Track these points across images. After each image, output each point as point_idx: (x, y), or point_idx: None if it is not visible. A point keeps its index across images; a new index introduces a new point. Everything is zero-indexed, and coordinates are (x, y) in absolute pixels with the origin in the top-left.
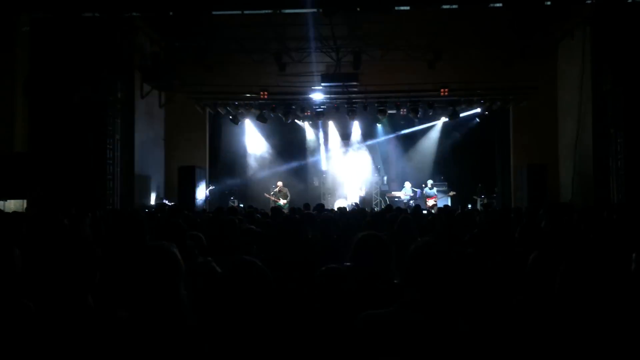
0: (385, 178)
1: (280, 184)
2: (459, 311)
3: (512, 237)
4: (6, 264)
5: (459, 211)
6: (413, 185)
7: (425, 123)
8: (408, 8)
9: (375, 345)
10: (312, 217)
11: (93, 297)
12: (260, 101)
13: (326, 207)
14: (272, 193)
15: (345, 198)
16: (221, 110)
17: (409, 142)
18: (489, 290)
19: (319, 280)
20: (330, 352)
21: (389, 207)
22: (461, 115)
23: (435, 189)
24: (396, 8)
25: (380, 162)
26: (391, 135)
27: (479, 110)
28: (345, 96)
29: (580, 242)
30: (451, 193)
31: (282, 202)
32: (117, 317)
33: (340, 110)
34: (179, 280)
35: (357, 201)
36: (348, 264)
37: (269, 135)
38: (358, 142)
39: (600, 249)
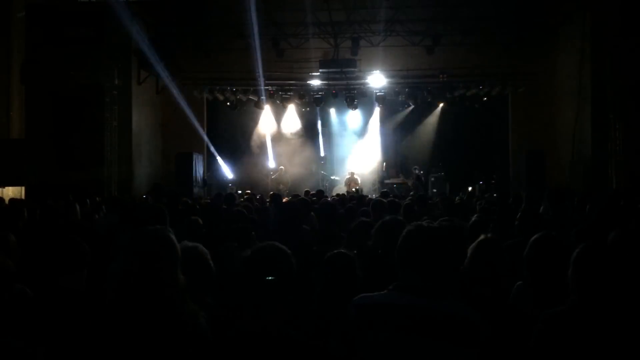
0: (384, 165)
1: (282, 168)
2: (452, 294)
3: (512, 223)
4: (1, 250)
5: (458, 199)
6: (405, 171)
7: (423, 109)
8: None
9: (365, 327)
10: (312, 203)
11: (91, 283)
12: (258, 87)
13: (325, 193)
14: (271, 178)
15: (344, 185)
16: (219, 97)
17: (408, 129)
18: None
19: (329, 266)
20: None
21: (384, 194)
22: (459, 101)
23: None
24: None
25: (379, 148)
26: (390, 122)
27: (477, 96)
28: (344, 82)
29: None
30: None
31: (282, 187)
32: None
33: (339, 96)
34: (176, 265)
35: (356, 188)
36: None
37: (267, 121)
38: (356, 129)
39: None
